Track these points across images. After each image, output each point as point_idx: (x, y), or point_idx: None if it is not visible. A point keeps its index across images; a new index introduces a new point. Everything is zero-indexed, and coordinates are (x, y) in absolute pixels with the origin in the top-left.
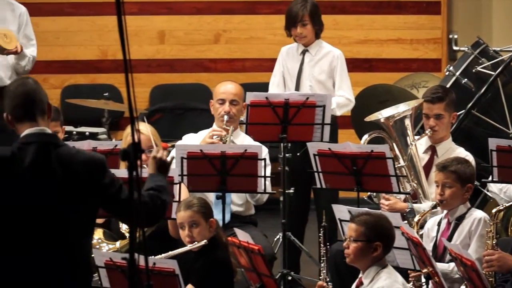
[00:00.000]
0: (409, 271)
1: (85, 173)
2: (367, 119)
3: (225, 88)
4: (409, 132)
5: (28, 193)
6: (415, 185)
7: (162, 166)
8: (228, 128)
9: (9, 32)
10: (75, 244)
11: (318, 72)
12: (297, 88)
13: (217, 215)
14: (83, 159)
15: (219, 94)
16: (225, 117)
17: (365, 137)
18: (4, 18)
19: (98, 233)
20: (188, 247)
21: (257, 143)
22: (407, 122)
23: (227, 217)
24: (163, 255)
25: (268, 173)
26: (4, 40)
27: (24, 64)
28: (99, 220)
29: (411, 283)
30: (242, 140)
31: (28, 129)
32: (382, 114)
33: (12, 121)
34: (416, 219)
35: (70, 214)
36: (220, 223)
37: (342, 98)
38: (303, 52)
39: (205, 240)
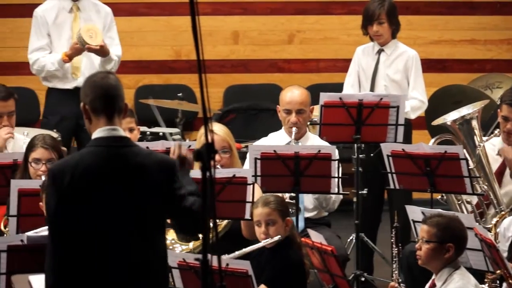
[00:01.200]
0: (486, 273)
1: (158, 174)
2: (434, 123)
3: (291, 97)
4: (477, 133)
5: (103, 195)
6: (485, 186)
7: (185, 162)
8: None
9: (94, 28)
10: (152, 241)
11: (393, 71)
12: (372, 87)
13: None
14: (156, 160)
15: (285, 104)
16: (294, 130)
17: (432, 141)
18: (89, 18)
19: (171, 234)
20: (263, 243)
21: (328, 144)
22: (474, 123)
23: (301, 224)
24: (237, 252)
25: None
26: (89, 35)
27: (110, 67)
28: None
29: (487, 284)
30: (312, 142)
31: (102, 127)
32: (448, 117)
33: (88, 112)
34: (493, 221)
35: (145, 213)
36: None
37: (415, 101)
38: (379, 52)
39: (279, 236)
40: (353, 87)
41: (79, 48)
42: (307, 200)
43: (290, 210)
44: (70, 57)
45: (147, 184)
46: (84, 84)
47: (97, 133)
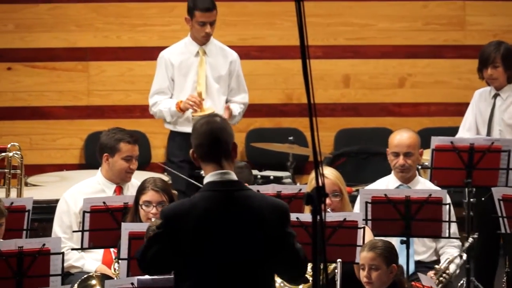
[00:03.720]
0: None
1: (270, 217)
2: None
3: (399, 140)
4: None
5: (217, 238)
6: None
7: None
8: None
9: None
10: (263, 284)
11: (508, 116)
12: (489, 132)
13: (401, 261)
14: (269, 204)
15: (393, 147)
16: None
17: None
18: (215, 63)
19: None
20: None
21: (438, 188)
22: None
23: (412, 267)
24: None
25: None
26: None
27: (234, 122)
28: None
29: None
30: (423, 186)
31: (212, 172)
32: None
33: (197, 159)
34: None
35: (258, 256)
36: (404, 267)
37: None
38: (495, 96)
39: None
40: (469, 131)
41: (193, 106)
42: (418, 243)
43: None
44: (183, 109)
45: (260, 227)
46: (191, 132)
47: (208, 178)
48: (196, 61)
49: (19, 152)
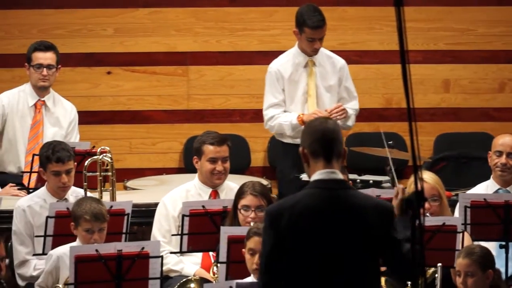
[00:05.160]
0: None
1: (375, 217)
2: None
3: (503, 141)
4: None
5: (321, 236)
6: None
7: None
8: None
9: None
10: (367, 284)
11: None
12: None
13: (500, 265)
14: (374, 204)
15: (497, 146)
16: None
17: None
18: (325, 72)
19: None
20: None
21: None
22: None
23: (510, 271)
24: None
25: None
26: None
27: (347, 125)
28: None
29: None
30: None
31: (320, 170)
32: None
33: (307, 155)
34: None
35: (362, 255)
36: (503, 272)
37: None
38: None
39: None
40: None
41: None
42: None
43: None
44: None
45: (364, 226)
46: (304, 130)
47: (316, 176)
48: (305, 72)
49: (109, 155)
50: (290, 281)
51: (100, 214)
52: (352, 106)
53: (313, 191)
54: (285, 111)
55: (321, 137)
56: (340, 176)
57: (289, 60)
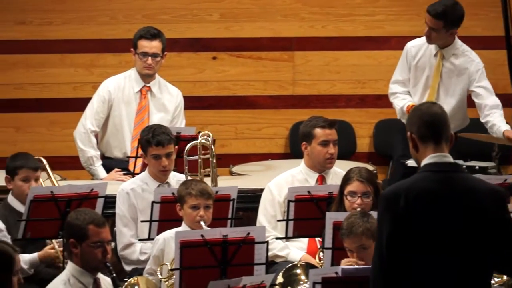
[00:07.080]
0: None
1: (488, 201)
2: None
3: None
4: None
5: (437, 217)
6: None
7: None
8: None
9: None
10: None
11: None
12: None
13: None
14: (487, 187)
15: None
16: None
17: None
18: (453, 68)
19: None
20: None
21: None
22: None
23: None
24: None
25: None
26: None
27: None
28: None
29: None
30: None
31: (431, 154)
32: None
33: (415, 140)
34: None
35: (480, 240)
36: None
37: None
38: None
39: None
40: None
41: None
42: None
43: None
44: None
45: (480, 208)
46: (411, 115)
47: (427, 159)
48: (434, 61)
49: (209, 138)
50: (408, 264)
51: (205, 190)
52: (493, 102)
53: (427, 174)
54: (408, 92)
55: (431, 121)
56: (451, 159)
57: (422, 44)
